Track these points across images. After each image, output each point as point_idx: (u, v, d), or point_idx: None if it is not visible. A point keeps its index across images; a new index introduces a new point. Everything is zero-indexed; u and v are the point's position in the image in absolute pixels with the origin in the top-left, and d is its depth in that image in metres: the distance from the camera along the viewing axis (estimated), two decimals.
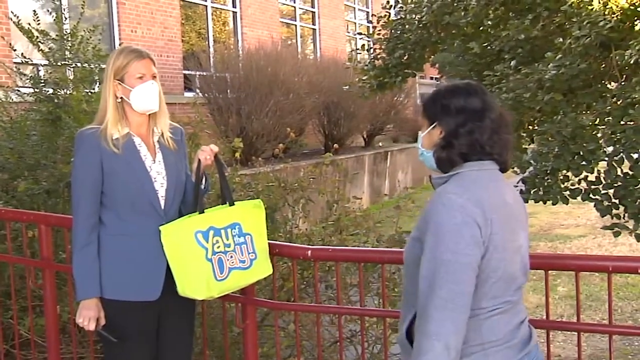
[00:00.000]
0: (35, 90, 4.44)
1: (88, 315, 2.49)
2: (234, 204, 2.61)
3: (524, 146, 4.95)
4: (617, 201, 4.14)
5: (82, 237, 2.50)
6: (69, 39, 4.53)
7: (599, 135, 4.23)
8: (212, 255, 2.45)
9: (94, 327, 2.50)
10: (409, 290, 1.83)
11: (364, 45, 6.63)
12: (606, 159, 4.14)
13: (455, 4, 5.30)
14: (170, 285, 2.48)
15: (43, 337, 3.43)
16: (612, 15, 4.01)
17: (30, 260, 3.42)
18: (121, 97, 2.52)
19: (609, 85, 4.61)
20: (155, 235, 2.50)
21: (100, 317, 2.51)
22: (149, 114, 2.58)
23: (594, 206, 4.26)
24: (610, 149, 4.13)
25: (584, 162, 4.15)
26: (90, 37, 4.60)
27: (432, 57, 6.79)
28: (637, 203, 4.02)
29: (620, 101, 4.10)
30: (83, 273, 2.50)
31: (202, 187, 2.60)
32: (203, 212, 2.52)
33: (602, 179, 4.18)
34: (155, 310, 2.56)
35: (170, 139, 2.62)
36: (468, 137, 1.77)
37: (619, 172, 4.11)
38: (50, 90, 4.42)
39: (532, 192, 4.38)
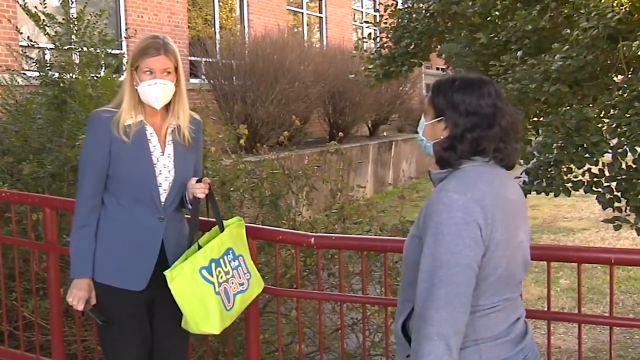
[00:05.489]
0: (41, 73, 4.45)
1: (78, 295, 2.51)
2: (224, 230, 2.60)
3: (528, 138, 4.94)
4: (619, 194, 4.13)
5: (81, 217, 2.52)
6: (75, 23, 4.53)
7: (603, 128, 4.21)
8: (219, 287, 2.46)
9: (82, 308, 2.53)
10: (406, 284, 1.82)
11: (370, 34, 6.60)
12: (610, 151, 4.12)
13: None
14: (161, 277, 2.43)
15: (46, 320, 3.46)
16: (621, 7, 3.99)
17: (34, 243, 3.44)
18: (135, 86, 2.51)
19: (615, 78, 4.59)
20: (152, 227, 2.51)
21: (91, 297, 2.54)
22: (167, 105, 2.55)
23: (596, 199, 4.25)
24: (614, 141, 4.12)
25: (587, 155, 4.14)
26: (97, 22, 4.60)
27: (439, 47, 6.76)
28: (639, 197, 4.00)
29: (626, 94, 4.08)
30: (78, 252, 2.53)
31: (198, 212, 2.58)
32: (200, 247, 2.49)
33: (605, 171, 4.17)
34: (143, 299, 2.56)
35: (187, 132, 2.58)
36: (473, 144, 1.73)
37: (623, 165, 4.10)
38: (56, 74, 4.43)
39: (535, 183, 4.38)
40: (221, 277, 2.49)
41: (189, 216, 2.63)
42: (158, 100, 2.49)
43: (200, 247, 2.49)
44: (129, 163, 2.49)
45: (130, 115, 2.50)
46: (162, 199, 2.53)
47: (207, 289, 2.43)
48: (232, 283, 2.53)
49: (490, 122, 1.72)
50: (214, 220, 2.63)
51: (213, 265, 2.47)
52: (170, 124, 2.58)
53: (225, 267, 2.52)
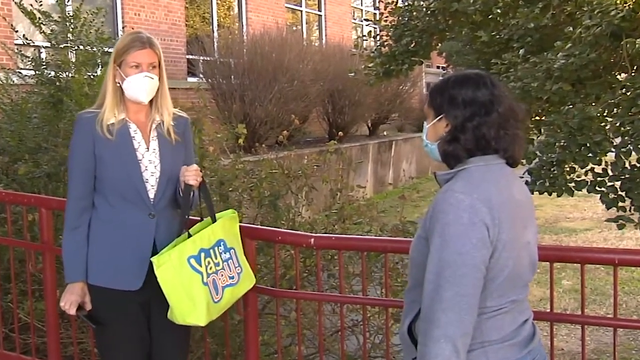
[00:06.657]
0: (37, 72, 4.40)
1: (70, 300, 2.48)
2: (215, 221, 2.57)
3: (531, 137, 4.90)
4: (623, 194, 4.10)
5: (71, 220, 2.50)
6: (72, 21, 4.49)
7: (606, 127, 4.18)
8: (207, 278, 2.42)
9: (75, 312, 2.49)
10: (412, 285, 1.80)
11: (370, 32, 6.58)
12: (613, 150, 4.09)
13: None
14: (155, 276, 2.38)
15: (42, 321, 3.42)
16: (624, 5, 3.95)
17: (30, 244, 3.40)
18: (119, 83, 2.49)
19: (618, 76, 4.55)
20: (143, 225, 2.48)
21: (85, 301, 2.51)
22: (150, 101, 2.53)
23: (600, 198, 4.21)
24: (617, 140, 4.09)
25: (590, 154, 4.11)
26: (93, 20, 4.56)
27: (440, 45, 6.73)
28: None
29: (630, 92, 4.05)
30: (69, 256, 2.51)
31: (190, 202, 2.55)
32: (190, 235, 2.46)
33: (608, 171, 4.13)
34: (139, 299, 2.52)
35: (171, 128, 2.56)
36: (475, 132, 1.73)
37: (626, 164, 4.07)
38: (52, 73, 4.39)
39: (537, 184, 4.34)
40: (210, 268, 2.44)
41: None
42: (147, 93, 2.47)
43: (190, 236, 2.45)
44: (113, 162, 2.46)
45: (113, 113, 2.48)
46: (151, 195, 2.50)
47: (195, 279, 2.39)
48: (222, 275, 2.48)
49: (488, 109, 1.73)
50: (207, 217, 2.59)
51: (202, 255, 2.43)
52: (154, 119, 2.56)
53: (216, 258, 2.48)
